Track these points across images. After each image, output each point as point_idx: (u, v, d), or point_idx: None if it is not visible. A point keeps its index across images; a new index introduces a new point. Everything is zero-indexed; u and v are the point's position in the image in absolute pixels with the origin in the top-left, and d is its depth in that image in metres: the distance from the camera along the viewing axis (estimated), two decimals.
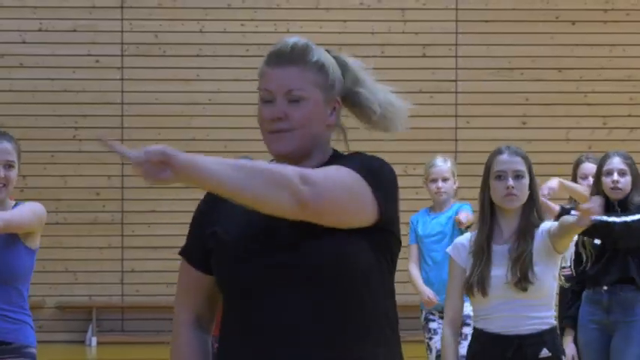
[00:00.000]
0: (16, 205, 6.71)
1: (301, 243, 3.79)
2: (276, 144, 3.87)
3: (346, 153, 4.02)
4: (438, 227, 9.94)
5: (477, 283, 6.67)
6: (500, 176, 6.75)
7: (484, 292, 6.66)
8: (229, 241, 3.84)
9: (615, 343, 8.71)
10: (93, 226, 17.00)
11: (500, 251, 6.69)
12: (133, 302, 17.43)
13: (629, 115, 17.63)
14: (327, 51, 4.02)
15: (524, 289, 6.64)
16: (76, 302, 17.07)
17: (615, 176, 8.59)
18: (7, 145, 6.63)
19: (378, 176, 3.81)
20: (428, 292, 10.00)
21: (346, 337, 3.83)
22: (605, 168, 8.60)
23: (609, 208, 8.73)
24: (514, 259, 6.66)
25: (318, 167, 3.89)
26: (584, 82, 17.81)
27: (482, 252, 6.71)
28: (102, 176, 17.38)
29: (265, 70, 3.92)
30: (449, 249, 6.92)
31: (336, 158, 3.97)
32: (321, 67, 3.93)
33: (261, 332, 3.82)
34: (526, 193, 6.74)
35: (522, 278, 6.60)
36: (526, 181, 6.71)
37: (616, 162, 8.79)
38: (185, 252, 4.02)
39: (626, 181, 8.26)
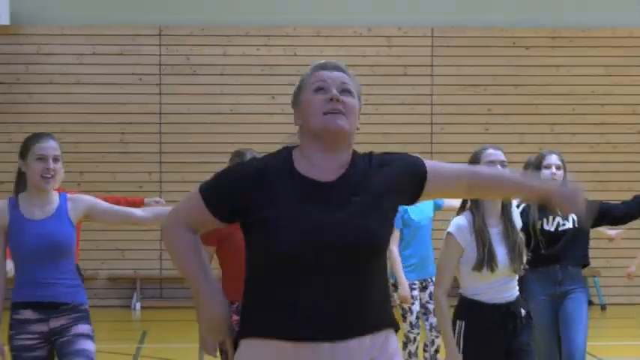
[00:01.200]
0: (61, 196, 6.72)
1: (361, 224, 3.84)
2: (335, 120, 3.87)
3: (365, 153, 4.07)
4: (427, 213, 9.96)
5: (487, 262, 6.59)
6: (548, 167, 6.75)
7: (493, 269, 6.58)
8: (293, 220, 3.80)
9: (567, 307, 8.67)
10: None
11: (495, 233, 6.64)
12: (169, 274, 17.40)
13: (572, 123, 17.59)
14: None
15: (518, 270, 6.64)
16: (124, 274, 17.05)
17: (554, 169, 8.56)
18: (54, 143, 6.63)
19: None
20: (408, 291, 9.96)
21: (378, 295, 3.93)
22: (545, 163, 8.56)
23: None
24: (512, 245, 6.66)
25: (348, 159, 3.96)
26: (536, 96, 17.76)
27: (483, 234, 6.63)
28: (143, 172, 17.35)
29: (318, 72, 3.99)
30: (452, 229, 6.72)
31: (361, 158, 4.01)
32: (357, 84, 4.00)
33: (314, 305, 3.79)
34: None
35: (520, 258, 6.60)
36: (507, 170, 6.71)
37: (554, 158, 8.75)
38: (207, 194, 3.93)
39: (561, 175, 8.20)
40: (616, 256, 16.41)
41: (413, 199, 4.10)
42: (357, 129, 3.97)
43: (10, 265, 6.83)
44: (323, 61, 4.05)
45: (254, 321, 3.95)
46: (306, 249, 3.80)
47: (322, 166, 3.94)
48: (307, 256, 3.81)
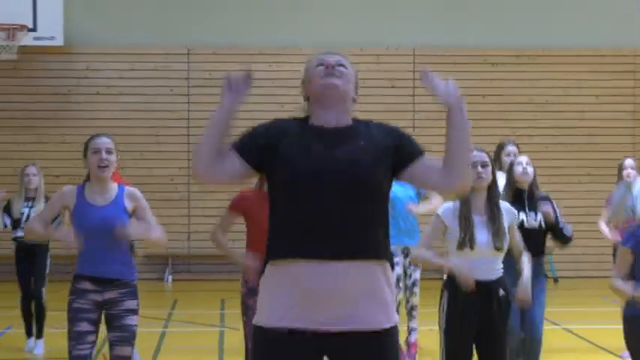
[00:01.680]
0: (120, 187, 6.78)
1: (362, 161, 3.95)
2: (330, 79, 4.05)
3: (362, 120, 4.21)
4: (410, 193, 9.86)
5: (467, 242, 6.51)
6: (474, 165, 6.65)
7: (472, 248, 6.51)
8: (302, 155, 3.93)
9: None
10: (168, 202, 16.95)
11: (479, 220, 6.57)
12: (195, 252, 17.40)
13: (531, 127, 17.57)
14: None
15: (501, 249, 6.55)
16: (158, 253, 17.02)
17: (524, 164, 8.44)
18: (106, 139, 6.71)
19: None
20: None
21: (373, 231, 3.99)
22: (517, 160, 8.50)
23: (519, 195, 8.54)
24: (495, 230, 6.57)
25: (349, 120, 4.12)
26: (501, 104, 17.74)
27: (466, 220, 6.57)
28: (174, 167, 17.36)
29: (321, 56, 4.14)
30: (439, 211, 6.72)
31: (362, 122, 4.18)
32: (353, 70, 4.17)
33: (322, 228, 3.89)
34: (490, 176, 6.62)
35: (501, 240, 6.50)
36: (489, 168, 6.62)
37: (524, 160, 8.63)
38: (238, 145, 4.09)
39: (532, 171, 8.08)
40: None
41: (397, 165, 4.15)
42: (354, 100, 4.14)
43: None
44: (327, 50, 4.27)
45: (269, 249, 4.04)
46: (304, 177, 3.93)
47: (326, 119, 4.08)
48: (309, 181, 3.93)
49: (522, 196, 8.43)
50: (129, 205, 6.67)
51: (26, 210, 10.60)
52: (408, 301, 10.15)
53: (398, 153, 4.09)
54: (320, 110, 4.07)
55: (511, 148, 8.91)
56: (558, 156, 17.58)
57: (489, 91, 17.78)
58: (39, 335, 10.85)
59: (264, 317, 3.95)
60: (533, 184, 8.38)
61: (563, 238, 8.56)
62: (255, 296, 7.09)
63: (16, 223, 10.71)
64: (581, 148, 17.76)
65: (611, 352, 10.60)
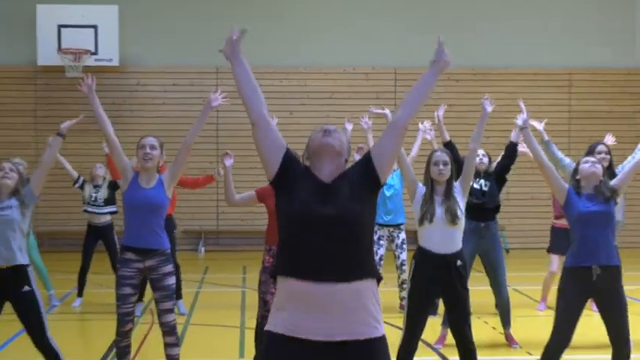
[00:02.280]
0: (159, 176, 6.85)
1: (344, 207, 3.90)
2: (327, 141, 4.06)
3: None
4: (395, 181, 10.05)
5: (427, 217, 6.49)
6: (437, 164, 6.64)
7: (431, 221, 6.47)
8: (305, 202, 3.91)
9: (489, 255, 8.62)
10: (201, 189, 16.93)
11: (439, 201, 6.54)
12: (222, 229, 17.39)
13: (486, 130, 17.50)
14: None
15: (455, 223, 6.48)
16: (192, 229, 17.01)
17: (481, 156, 8.56)
18: (152, 139, 6.91)
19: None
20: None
21: (359, 258, 3.93)
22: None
23: (477, 175, 8.70)
24: (449, 209, 6.51)
25: (347, 173, 4.08)
26: (463, 112, 17.71)
27: (428, 201, 6.55)
28: (204, 162, 17.33)
29: (320, 135, 4.08)
30: (416, 199, 6.73)
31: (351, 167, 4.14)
32: (347, 138, 4.13)
33: (316, 260, 3.85)
34: (449, 172, 6.58)
35: (454, 217, 6.44)
36: (449, 166, 6.60)
37: (481, 152, 8.70)
38: (284, 150, 4.14)
39: (487, 160, 8.08)
40: (515, 217, 16.36)
41: (378, 180, 4.10)
42: (346, 160, 4.10)
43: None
44: (327, 127, 4.22)
45: (277, 266, 4.02)
46: (308, 219, 3.89)
47: (326, 175, 4.07)
48: (310, 223, 3.88)
49: (479, 176, 8.61)
50: (166, 184, 6.75)
51: (94, 194, 10.79)
52: (399, 277, 10.25)
53: (370, 175, 4.06)
54: (318, 162, 4.06)
55: (481, 152, 8.96)
56: None
57: (453, 101, 17.66)
58: (80, 294, 11.02)
59: (271, 325, 3.92)
60: (488, 168, 8.58)
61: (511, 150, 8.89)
62: (266, 273, 7.18)
63: (87, 203, 10.90)
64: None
65: (549, 308, 10.60)
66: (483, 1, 17.86)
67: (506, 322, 8.72)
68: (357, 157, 9.24)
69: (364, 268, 3.91)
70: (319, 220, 3.84)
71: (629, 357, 6.31)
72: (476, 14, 17.78)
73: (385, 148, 4.13)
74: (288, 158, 4.07)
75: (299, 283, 3.81)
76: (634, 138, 17.83)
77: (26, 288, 6.30)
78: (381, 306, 3.97)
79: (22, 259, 6.35)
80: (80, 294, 10.97)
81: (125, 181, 6.63)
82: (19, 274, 6.32)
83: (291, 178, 3.97)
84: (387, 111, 8.71)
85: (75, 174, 11.02)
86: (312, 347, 3.81)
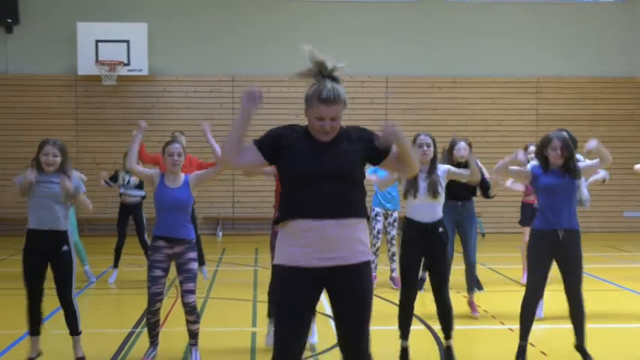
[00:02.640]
0: (185, 176, 6.84)
1: (343, 161, 4.05)
2: (324, 137, 4.08)
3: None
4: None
5: (411, 192, 6.53)
6: (420, 146, 6.66)
7: (415, 196, 6.50)
8: (306, 160, 4.02)
9: (464, 226, 8.65)
10: (219, 181, 16.94)
11: (422, 177, 6.53)
12: (237, 216, 17.40)
13: (464, 131, 17.52)
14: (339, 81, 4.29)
15: (436, 197, 6.49)
16: (211, 216, 17.02)
17: (462, 148, 8.51)
18: (177, 145, 6.81)
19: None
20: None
21: (355, 202, 4.07)
22: (456, 148, 8.63)
23: (458, 165, 8.64)
24: (431, 185, 6.52)
25: (344, 135, 4.15)
26: (444, 115, 17.72)
27: (412, 179, 6.52)
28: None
29: (320, 106, 4.08)
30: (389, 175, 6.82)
31: (343, 129, 4.18)
32: (345, 102, 4.07)
33: (320, 203, 3.97)
34: (432, 153, 6.61)
35: (435, 192, 6.44)
36: (432, 148, 6.63)
37: (462, 145, 8.67)
38: (259, 144, 4.16)
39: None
40: (490, 205, 16.35)
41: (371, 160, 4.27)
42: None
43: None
44: (326, 93, 4.15)
45: (281, 214, 4.12)
46: (310, 174, 4.02)
47: (323, 136, 4.12)
48: (313, 177, 4.00)
49: (460, 166, 8.54)
50: (192, 183, 6.74)
51: (127, 177, 10.88)
52: (389, 250, 10.33)
53: (372, 151, 4.19)
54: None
55: (463, 145, 8.87)
56: (484, 150, 17.55)
57: (436, 106, 17.78)
58: (115, 265, 11.08)
59: (278, 259, 4.06)
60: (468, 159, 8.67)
61: (485, 185, 8.67)
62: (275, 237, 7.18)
63: (121, 185, 11.04)
64: (499, 145, 17.70)
65: (517, 282, 10.62)
66: (463, 19, 17.84)
67: (470, 287, 8.71)
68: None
69: (358, 209, 4.07)
70: (322, 173, 3.99)
71: (583, 310, 6.49)
72: (457, 30, 17.76)
73: (387, 164, 4.33)
74: (269, 145, 4.15)
75: (304, 221, 3.97)
76: (596, 137, 17.84)
77: (65, 247, 6.42)
78: (368, 237, 4.16)
79: (63, 225, 6.43)
80: (116, 265, 11.01)
81: (152, 184, 6.68)
82: (60, 236, 6.40)
83: (286, 149, 4.08)
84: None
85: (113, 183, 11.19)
86: (314, 273, 3.95)
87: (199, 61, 17.47)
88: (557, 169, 6.41)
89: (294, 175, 4.03)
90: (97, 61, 16.55)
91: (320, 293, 4.04)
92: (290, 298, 3.98)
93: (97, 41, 16.61)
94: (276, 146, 4.10)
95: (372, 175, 8.15)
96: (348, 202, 4.02)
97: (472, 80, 17.80)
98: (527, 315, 6.48)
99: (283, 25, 17.55)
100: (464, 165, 8.68)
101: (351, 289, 3.99)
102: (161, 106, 17.50)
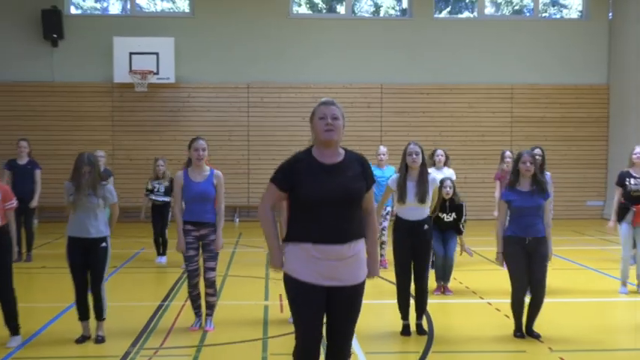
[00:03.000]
0: (211, 170, 6.82)
1: (350, 186, 3.97)
2: (329, 134, 3.97)
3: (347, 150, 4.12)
4: (388, 174, 9.61)
5: (400, 198, 6.55)
6: (411, 154, 6.68)
7: (403, 201, 6.55)
8: (316, 185, 3.93)
9: (447, 238, 8.59)
10: (236, 175, 16.93)
11: (411, 185, 6.56)
12: (253, 203, 17.40)
13: (449, 131, 17.48)
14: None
15: (423, 202, 6.53)
16: (228, 204, 16.99)
17: (440, 155, 8.52)
18: (202, 142, 6.82)
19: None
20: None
21: (356, 224, 4.03)
22: (437, 152, 8.59)
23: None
24: (419, 192, 6.56)
25: (341, 155, 4.05)
26: (433, 118, 17.68)
27: (403, 185, 6.56)
28: (238, 156, 17.35)
29: (322, 107, 4.03)
30: (389, 182, 6.75)
31: (346, 157, 4.06)
32: (341, 112, 3.99)
33: (327, 227, 3.93)
34: (420, 160, 6.67)
35: (423, 197, 6.48)
36: (420, 155, 6.62)
37: (439, 152, 8.71)
38: (276, 181, 4.01)
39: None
40: (469, 195, 16.28)
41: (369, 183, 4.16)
42: (342, 136, 4.06)
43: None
44: (325, 99, 4.13)
45: (292, 234, 4.04)
46: (318, 197, 3.93)
47: (326, 157, 4.04)
48: (317, 203, 3.92)
49: (445, 204, 8.49)
50: (215, 181, 6.74)
51: (156, 184, 10.87)
52: (379, 238, 10.29)
53: (365, 178, 4.09)
54: (322, 149, 4.03)
55: (440, 153, 8.93)
56: (466, 149, 17.55)
57: (425, 109, 17.71)
58: (163, 253, 10.99)
59: (290, 270, 4.02)
60: (446, 163, 8.66)
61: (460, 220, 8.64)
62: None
63: (151, 192, 10.91)
64: (479, 144, 17.73)
65: (492, 262, 10.61)
66: (449, 35, 17.77)
67: (446, 277, 8.65)
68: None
69: (359, 231, 4.04)
70: (331, 197, 3.92)
71: (542, 301, 6.57)
72: (444, 44, 17.69)
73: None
74: (285, 185, 4.03)
75: (312, 246, 3.92)
76: (561, 137, 17.88)
77: (103, 244, 6.43)
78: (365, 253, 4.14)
79: (105, 231, 6.46)
80: (159, 253, 11.04)
81: (178, 184, 6.70)
82: (102, 238, 6.42)
83: (299, 179, 3.98)
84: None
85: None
86: (321, 289, 3.97)
87: (219, 71, 17.45)
88: (526, 190, 6.49)
89: (305, 200, 3.95)
90: (130, 70, 16.53)
91: (325, 298, 4.05)
92: (307, 305, 4.00)
93: (131, 53, 16.58)
94: (290, 181, 4.00)
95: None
96: (355, 226, 4.00)
97: (456, 87, 17.74)
98: (519, 304, 6.57)
99: (292, 39, 17.51)
100: (448, 201, 8.57)
101: (347, 305, 4.04)
102: (186, 109, 17.49)
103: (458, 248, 8.71)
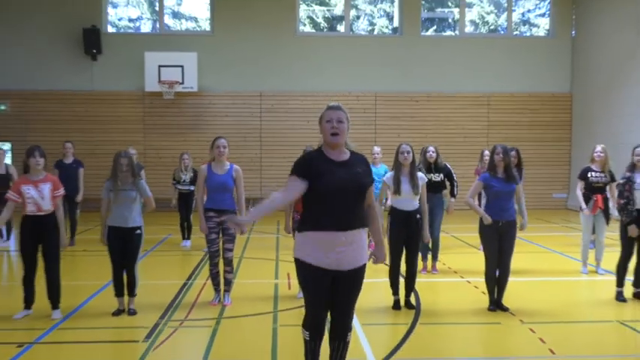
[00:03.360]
0: (231, 165, 6.78)
1: (359, 178, 3.94)
2: (335, 138, 3.94)
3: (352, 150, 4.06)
4: (381, 171, 9.57)
5: (396, 190, 6.53)
6: (402, 153, 6.69)
7: (399, 193, 6.53)
8: (330, 177, 3.87)
9: (434, 211, 8.58)
10: (250, 171, 16.85)
11: (404, 180, 6.55)
12: (264, 195, 17.35)
13: (434, 133, 17.43)
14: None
15: (416, 194, 6.54)
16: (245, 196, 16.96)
17: (431, 151, 8.51)
18: (223, 140, 6.78)
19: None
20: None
21: (360, 214, 3.99)
22: (428, 148, 8.60)
23: (429, 165, 8.59)
24: (412, 185, 6.55)
25: (347, 154, 3.99)
26: (420, 122, 17.62)
27: (397, 179, 6.55)
28: (252, 154, 17.32)
29: (328, 111, 3.98)
30: (385, 177, 6.74)
31: (352, 156, 4.02)
32: (347, 115, 3.94)
33: (338, 215, 3.89)
34: (411, 158, 6.69)
35: (416, 189, 6.47)
36: (411, 154, 6.63)
37: (431, 149, 8.69)
38: (297, 172, 3.92)
39: (436, 154, 7.93)
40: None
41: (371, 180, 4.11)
42: (347, 138, 4.03)
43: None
44: (332, 104, 4.08)
45: (306, 224, 4.01)
46: (332, 189, 3.88)
47: (335, 155, 4.01)
48: (332, 191, 3.87)
49: (431, 166, 8.52)
50: (234, 175, 6.72)
51: (183, 176, 10.85)
52: None
53: (369, 175, 4.07)
54: (329, 149, 4.00)
55: (432, 149, 8.84)
56: (449, 148, 17.49)
57: (414, 115, 17.67)
58: (188, 237, 11.01)
59: (301, 254, 4.00)
60: (437, 159, 8.53)
61: (452, 185, 8.69)
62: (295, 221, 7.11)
63: (177, 182, 10.98)
64: (460, 143, 17.67)
65: (474, 247, 10.61)
66: (435, 50, 17.71)
67: (435, 256, 8.69)
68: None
69: (363, 221, 4.01)
70: (344, 186, 3.88)
71: (508, 276, 6.65)
72: (430, 58, 17.64)
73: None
74: (307, 175, 3.92)
75: (323, 233, 3.89)
76: (531, 139, 17.83)
77: (138, 232, 6.46)
78: (366, 239, 4.12)
79: (139, 220, 6.50)
80: (183, 237, 11.10)
81: (202, 176, 6.68)
82: (137, 227, 6.46)
83: (315, 173, 3.91)
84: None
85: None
86: (328, 272, 3.95)
87: (235, 81, 17.43)
88: (501, 177, 6.54)
89: (322, 189, 3.88)
90: (159, 81, 16.52)
91: (331, 280, 4.02)
92: (315, 285, 3.98)
93: (160, 66, 16.56)
94: (308, 172, 3.92)
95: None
96: (359, 215, 3.97)
97: (441, 95, 17.71)
98: (491, 279, 6.63)
99: (298, 54, 17.47)
100: (434, 164, 8.60)
101: (349, 286, 4.03)
102: (207, 114, 17.48)
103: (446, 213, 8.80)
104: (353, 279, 4.01)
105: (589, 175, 8.31)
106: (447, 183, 8.79)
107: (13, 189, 6.23)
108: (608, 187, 8.29)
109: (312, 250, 3.92)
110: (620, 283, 7.08)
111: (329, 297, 4.04)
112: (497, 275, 6.61)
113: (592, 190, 8.29)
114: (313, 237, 3.91)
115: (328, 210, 3.87)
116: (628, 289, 7.24)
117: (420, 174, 6.72)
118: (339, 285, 4.00)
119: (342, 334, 4.13)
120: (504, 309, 6.58)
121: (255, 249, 10.74)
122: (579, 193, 8.42)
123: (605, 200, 8.24)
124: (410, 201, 6.58)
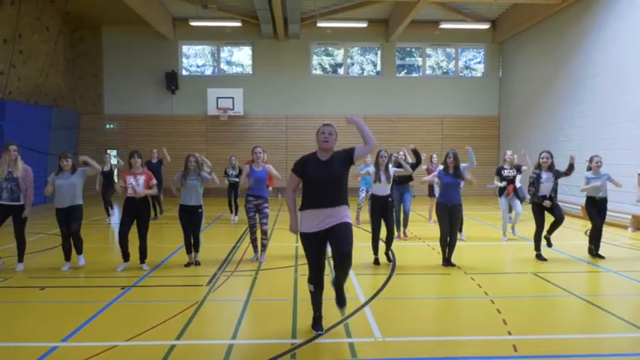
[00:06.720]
0: (264, 165, 6.60)
1: (334, 172, 3.83)
2: (325, 144, 3.90)
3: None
4: (370, 169, 9.38)
5: (376, 179, 6.40)
6: (381, 157, 6.62)
7: (379, 181, 6.40)
8: (316, 173, 3.84)
9: (404, 196, 8.43)
10: (278, 170, 16.73)
11: (381, 173, 6.43)
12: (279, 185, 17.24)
13: (404, 145, 17.33)
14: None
15: (388, 183, 6.43)
16: (275, 187, 16.85)
17: (401, 155, 8.27)
18: (260, 149, 6.68)
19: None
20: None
21: (341, 195, 3.87)
22: (393, 157, 8.03)
23: (399, 165, 8.34)
24: (387, 175, 6.44)
25: (335, 155, 3.87)
26: (394, 140, 17.46)
27: (377, 172, 6.43)
28: (281, 158, 17.20)
29: (322, 127, 3.95)
30: (370, 170, 6.60)
31: (334, 154, 3.90)
32: (335, 130, 3.84)
33: (322, 197, 3.82)
34: (386, 160, 6.64)
35: (388, 181, 6.40)
36: (386, 158, 6.68)
37: (402, 153, 8.48)
38: (295, 171, 3.91)
39: (404, 157, 7.71)
40: (417, 177, 16.15)
41: (352, 162, 3.97)
42: (334, 145, 3.95)
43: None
44: (325, 122, 4.01)
45: (304, 204, 3.94)
46: (318, 180, 3.82)
47: (324, 156, 3.94)
48: (319, 182, 3.80)
49: (400, 167, 8.28)
50: (267, 169, 6.59)
51: (231, 170, 10.78)
52: (358, 205, 10.23)
53: (349, 158, 3.96)
54: (321, 152, 3.96)
55: (435, 156, 8.73)
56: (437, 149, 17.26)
57: (390, 131, 17.51)
58: (235, 214, 11.12)
59: (302, 228, 3.96)
60: (405, 159, 8.42)
61: (417, 164, 8.28)
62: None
63: (227, 176, 10.85)
64: (421, 151, 17.43)
65: (435, 222, 10.48)
66: (405, 85, 17.52)
67: (405, 224, 8.61)
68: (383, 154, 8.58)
69: (344, 199, 3.95)
70: (324, 179, 3.84)
71: (455, 243, 6.48)
72: (402, 91, 17.46)
73: (358, 154, 4.02)
74: (300, 172, 3.91)
75: (315, 210, 3.87)
76: (472, 147, 17.53)
77: (200, 210, 6.45)
78: (350, 214, 4.01)
79: (201, 201, 6.46)
80: (231, 212, 11.12)
81: (245, 172, 6.57)
82: (199, 205, 6.43)
83: (307, 170, 3.90)
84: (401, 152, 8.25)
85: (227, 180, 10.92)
86: (321, 233, 3.89)
87: (268, 107, 17.33)
88: (451, 172, 6.46)
89: (310, 181, 3.89)
90: (217, 107, 16.48)
91: (327, 242, 3.94)
92: (312, 249, 3.92)
93: (217, 97, 16.55)
94: (302, 170, 3.94)
95: (360, 170, 8.08)
96: (339, 196, 3.89)
97: (409, 117, 17.53)
98: (444, 244, 6.54)
99: (312, 89, 17.34)
100: (398, 164, 8.38)
101: (340, 232, 3.90)
102: (249, 131, 17.39)
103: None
104: (340, 227, 3.91)
105: (502, 171, 8.44)
106: (412, 172, 8.60)
107: (121, 177, 6.28)
108: (516, 178, 8.40)
109: (307, 223, 3.90)
110: (537, 247, 7.09)
111: (324, 255, 4.00)
112: (448, 241, 6.53)
113: (506, 181, 8.41)
114: (307, 213, 3.91)
115: (313, 195, 3.86)
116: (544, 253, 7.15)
117: (392, 168, 6.69)
118: (331, 233, 3.92)
119: (346, 258, 3.89)
120: (452, 265, 6.56)
121: (283, 222, 10.65)
122: (497, 183, 8.50)
123: (515, 188, 8.37)
124: (384, 188, 6.55)
